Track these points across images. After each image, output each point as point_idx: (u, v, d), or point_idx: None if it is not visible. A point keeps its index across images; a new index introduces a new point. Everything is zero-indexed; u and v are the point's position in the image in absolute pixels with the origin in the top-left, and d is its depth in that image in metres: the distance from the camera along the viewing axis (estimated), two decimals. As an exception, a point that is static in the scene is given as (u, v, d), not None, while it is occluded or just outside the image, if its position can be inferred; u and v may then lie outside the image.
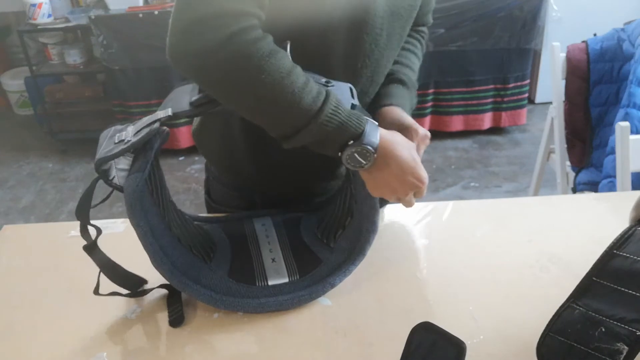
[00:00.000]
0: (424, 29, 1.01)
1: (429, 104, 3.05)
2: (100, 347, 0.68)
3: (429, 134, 0.80)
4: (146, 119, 0.71)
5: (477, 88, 3.03)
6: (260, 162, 0.89)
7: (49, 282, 0.79)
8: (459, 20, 2.83)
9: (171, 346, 0.68)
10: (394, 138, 0.72)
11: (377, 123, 0.72)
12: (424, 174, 0.72)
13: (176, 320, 0.72)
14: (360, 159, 0.70)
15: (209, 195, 1.03)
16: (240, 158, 0.89)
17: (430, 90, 3.00)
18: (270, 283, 0.76)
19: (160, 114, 0.70)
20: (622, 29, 1.76)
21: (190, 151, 2.98)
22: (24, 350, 0.68)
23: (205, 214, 0.98)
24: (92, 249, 0.71)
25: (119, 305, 0.75)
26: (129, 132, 0.69)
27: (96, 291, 0.72)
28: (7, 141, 3.33)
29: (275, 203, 0.94)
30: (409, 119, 0.81)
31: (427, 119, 3.10)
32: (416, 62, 0.94)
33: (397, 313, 0.73)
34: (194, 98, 0.72)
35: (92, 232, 0.71)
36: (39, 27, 2.88)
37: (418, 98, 0.96)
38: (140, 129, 0.69)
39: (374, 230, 0.77)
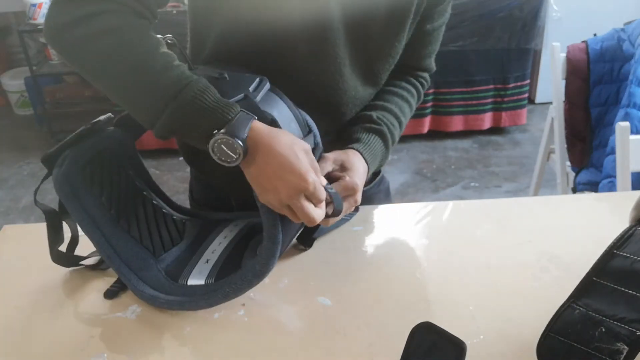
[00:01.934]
0: (426, 75, 0.96)
1: (429, 104, 3.05)
2: (100, 347, 0.68)
3: (357, 187, 0.74)
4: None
5: (477, 88, 3.04)
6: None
7: (49, 282, 0.79)
8: (459, 20, 2.83)
9: (171, 346, 0.68)
10: (274, 133, 0.65)
11: (255, 117, 0.65)
12: (307, 175, 0.64)
13: (109, 293, 0.76)
14: (228, 151, 0.63)
15: (191, 194, 1.04)
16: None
17: (430, 90, 3.00)
18: (189, 283, 0.75)
19: (102, 117, 0.77)
20: (622, 29, 1.76)
21: (190, 151, 2.98)
22: (23, 350, 0.68)
23: (190, 211, 0.97)
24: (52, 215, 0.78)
25: (119, 305, 0.75)
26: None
27: (108, 295, 0.76)
28: (7, 141, 3.34)
29: (250, 208, 0.92)
30: (353, 165, 0.77)
31: (427, 119, 3.10)
32: (408, 115, 0.91)
33: (397, 313, 0.73)
34: None
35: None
36: (39, 27, 2.88)
37: (418, 98, 0.96)
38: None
39: (275, 242, 0.69)
